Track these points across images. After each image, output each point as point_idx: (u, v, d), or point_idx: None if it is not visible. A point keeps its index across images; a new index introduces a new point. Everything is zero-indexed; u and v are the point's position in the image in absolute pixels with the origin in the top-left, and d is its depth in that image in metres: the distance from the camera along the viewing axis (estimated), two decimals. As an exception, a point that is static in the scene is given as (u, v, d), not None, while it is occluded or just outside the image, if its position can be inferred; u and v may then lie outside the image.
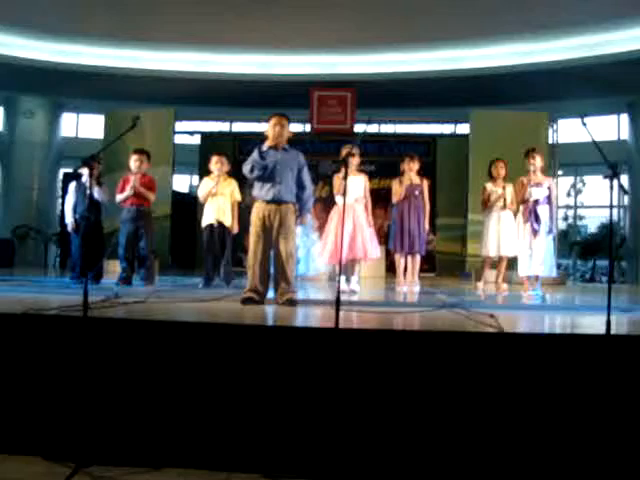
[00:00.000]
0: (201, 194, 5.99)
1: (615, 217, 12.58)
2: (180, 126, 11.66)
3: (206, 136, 12.17)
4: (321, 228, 6.72)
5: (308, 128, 11.63)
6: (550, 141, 10.43)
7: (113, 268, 6.97)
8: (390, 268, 7.81)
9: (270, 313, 3.83)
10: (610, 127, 12.92)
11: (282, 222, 4.16)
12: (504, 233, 6.11)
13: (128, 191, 5.81)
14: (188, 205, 10.90)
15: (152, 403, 2.81)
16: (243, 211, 5.86)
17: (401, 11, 9.40)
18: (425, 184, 6.29)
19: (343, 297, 3.06)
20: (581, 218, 14.99)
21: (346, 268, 5.82)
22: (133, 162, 5.93)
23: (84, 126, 14.12)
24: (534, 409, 2.67)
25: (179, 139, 11.83)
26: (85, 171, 5.88)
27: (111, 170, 9.21)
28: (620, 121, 12.76)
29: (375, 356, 2.78)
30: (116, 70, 11.02)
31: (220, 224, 5.89)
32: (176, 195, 11.12)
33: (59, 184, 12.15)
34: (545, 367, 2.71)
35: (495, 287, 6.26)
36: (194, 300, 4.34)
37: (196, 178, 13.10)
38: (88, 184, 5.82)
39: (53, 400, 2.84)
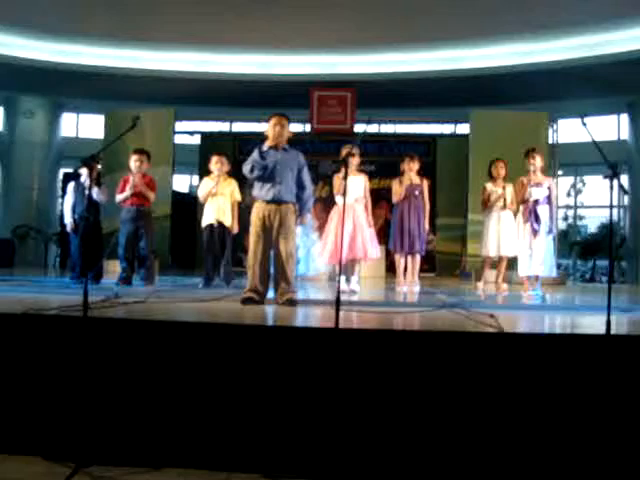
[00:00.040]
0: (201, 194, 5.99)
1: (615, 217, 12.58)
2: (180, 126, 11.66)
3: (206, 136, 12.17)
4: (321, 228, 6.72)
5: (308, 128, 11.63)
6: (550, 141, 10.42)
7: (113, 268, 6.96)
8: (390, 268, 7.82)
9: (270, 313, 3.83)
10: (610, 127, 12.93)
11: (282, 222, 4.16)
12: (504, 233, 6.11)
13: (128, 191, 5.81)
14: (188, 205, 10.90)
15: (152, 403, 2.81)
16: (243, 211, 5.86)
17: (401, 11, 9.39)
18: (425, 184, 6.29)
19: (343, 297, 3.06)
20: (581, 218, 14.99)
21: (346, 268, 5.82)
22: (133, 162, 5.93)
23: (84, 126, 14.12)
24: (534, 409, 2.67)
25: (179, 139, 11.83)
26: (84, 171, 5.89)
27: (111, 170, 9.22)
28: (620, 121, 12.76)
29: (375, 356, 2.78)
30: (116, 70, 11.02)
31: (220, 224, 5.89)
32: (176, 195, 11.12)
33: (59, 184, 12.15)
34: (545, 367, 2.71)
35: (495, 287, 6.26)
36: (194, 300, 4.34)
37: (196, 178, 13.10)
38: (87, 184, 5.83)
39: (53, 400, 2.84)
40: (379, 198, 9.05)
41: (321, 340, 2.79)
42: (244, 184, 6.06)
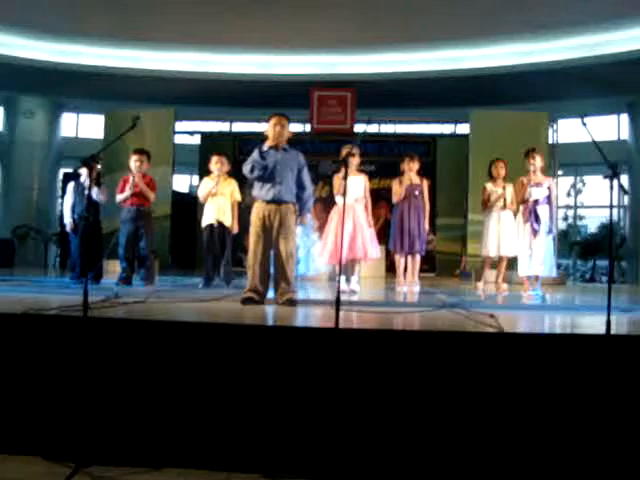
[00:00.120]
0: (201, 194, 5.99)
1: (615, 217, 12.59)
2: (180, 126, 11.66)
3: (206, 136, 12.17)
4: (321, 228, 6.72)
5: (308, 128, 11.63)
6: (550, 141, 10.42)
7: (113, 268, 6.97)
8: (390, 268, 7.82)
9: (270, 313, 3.83)
10: (610, 127, 12.93)
11: (282, 222, 4.16)
12: (504, 233, 6.11)
13: (128, 191, 5.81)
14: (188, 205, 10.90)
15: (152, 403, 2.81)
16: (243, 211, 5.86)
17: (401, 11, 9.40)
18: (425, 184, 6.29)
19: (343, 297, 3.06)
20: (581, 218, 14.99)
21: (346, 268, 5.82)
22: (133, 162, 5.93)
23: (84, 126, 14.13)
24: (534, 409, 2.67)
25: (179, 139, 11.83)
26: (84, 171, 5.89)
27: (111, 170, 9.22)
28: (620, 121, 12.77)
29: (375, 356, 2.78)
30: (116, 70, 11.02)
31: (220, 224, 5.89)
32: (176, 195, 11.12)
33: (59, 184, 12.16)
34: (545, 367, 2.71)
35: (495, 287, 6.26)
36: (194, 300, 4.34)
37: (196, 178, 13.10)
38: (86, 184, 5.83)
39: (53, 400, 2.84)
40: (379, 198, 9.05)
41: (321, 340, 2.79)
42: (244, 184, 6.06)
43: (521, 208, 6.01)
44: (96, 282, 5.68)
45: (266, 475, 2.62)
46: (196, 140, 12.46)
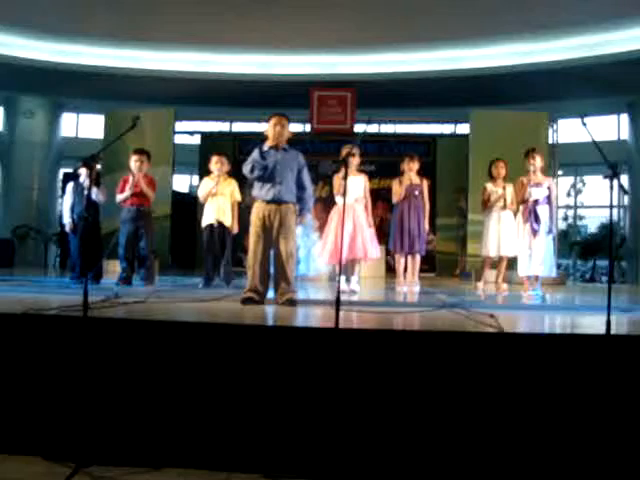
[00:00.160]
0: (201, 194, 5.99)
1: (615, 217, 12.59)
2: (180, 126, 11.66)
3: (206, 136, 12.17)
4: (321, 228, 6.72)
5: (308, 128, 11.63)
6: (550, 141, 10.42)
7: (113, 268, 6.97)
8: (390, 268, 7.82)
9: (270, 313, 3.83)
10: (610, 127, 12.93)
11: (282, 222, 4.16)
12: (504, 233, 6.11)
13: (128, 191, 5.81)
14: (188, 205, 10.90)
15: (152, 403, 2.81)
16: (243, 211, 5.86)
17: (401, 11, 9.40)
18: (425, 184, 6.29)
19: (343, 297, 3.06)
20: (581, 218, 14.99)
21: (346, 268, 5.82)
22: (133, 162, 5.93)
23: (84, 126, 14.12)
24: (534, 409, 2.67)
25: (179, 139, 11.83)
26: (83, 171, 5.89)
27: (111, 170, 9.22)
28: (620, 121, 12.77)
29: (375, 356, 2.78)
30: (116, 70, 11.02)
31: (220, 224, 5.89)
32: (176, 195, 11.11)
33: (59, 184, 12.16)
34: (545, 367, 2.71)
35: (495, 287, 6.26)
36: (194, 300, 4.34)
37: (196, 178, 13.10)
38: (86, 184, 5.84)
39: (53, 400, 2.84)
40: (377, 198, 9.05)
41: (321, 340, 2.79)
42: (244, 184, 6.07)
43: (521, 208, 6.01)
44: (96, 282, 5.68)
45: (266, 475, 2.62)
46: (196, 140, 12.46)
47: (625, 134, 12.27)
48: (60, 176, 12.38)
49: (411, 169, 6.22)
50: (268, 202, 4.18)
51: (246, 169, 4.24)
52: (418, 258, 6.22)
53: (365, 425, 2.69)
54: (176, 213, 10.43)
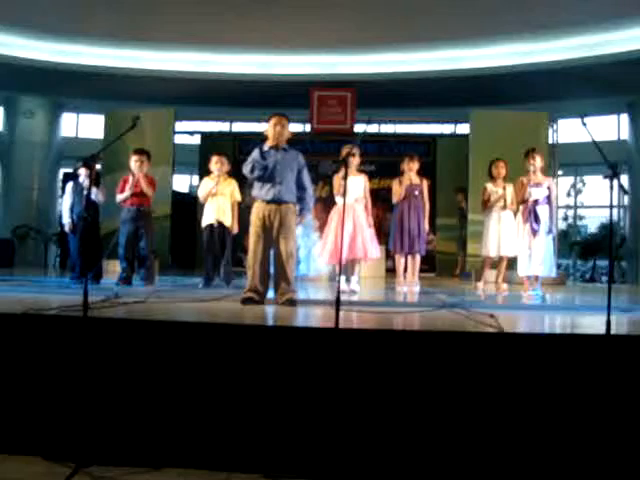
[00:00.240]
0: (201, 194, 5.99)
1: (615, 217, 12.58)
2: (180, 126, 11.65)
3: (206, 136, 12.16)
4: (321, 228, 6.72)
5: (308, 128, 11.63)
6: (550, 141, 10.41)
7: (113, 268, 6.97)
8: (390, 268, 7.82)
9: (270, 313, 3.83)
10: (610, 127, 12.92)
11: (282, 222, 4.16)
12: (504, 233, 6.11)
13: (128, 191, 5.82)
14: (188, 205, 10.89)
15: (152, 403, 2.82)
16: (243, 211, 5.86)
17: (401, 11, 9.39)
18: (425, 184, 6.29)
19: (343, 297, 3.06)
20: (581, 218, 14.99)
21: (346, 268, 5.82)
22: (133, 162, 5.93)
23: (84, 126, 14.12)
24: (534, 409, 2.67)
25: (179, 139, 11.82)
26: (82, 171, 5.90)
27: (111, 170, 9.22)
28: (620, 121, 12.76)
29: (375, 356, 2.78)
30: (116, 70, 11.02)
31: (220, 224, 5.89)
32: (176, 195, 11.10)
33: (59, 184, 12.16)
34: (545, 367, 2.71)
35: (495, 287, 6.26)
36: (194, 300, 4.34)
37: (196, 178, 13.10)
38: (85, 184, 5.84)
39: (53, 400, 2.84)
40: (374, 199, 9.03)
41: (321, 340, 2.79)
42: (244, 184, 6.06)
43: (521, 208, 6.01)
44: (96, 282, 5.68)
45: (266, 475, 2.62)
46: (196, 140, 12.45)
47: (625, 134, 12.26)
48: (60, 176, 12.38)
49: (411, 169, 6.22)
50: (268, 202, 4.18)
51: (246, 169, 4.24)
52: (418, 258, 6.22)
53: (365, 425, 2.70)
54: (176, 213, 10.42)
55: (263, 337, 2.91)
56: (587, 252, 13.28)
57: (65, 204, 6.02)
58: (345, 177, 3.76)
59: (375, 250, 5.87)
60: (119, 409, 2.81)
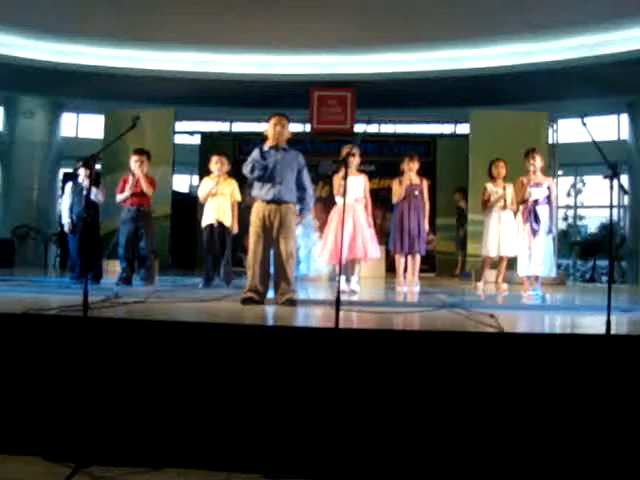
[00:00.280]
0: (201, 194, 6.00)
1: (615, 217, 12.58)
2: (180, 126, 11.65)
3: (206, 136, 12.16)
4: (321, 228, 6.72)
5: (308, 128, 11.63)
6: (550, 141, 10.40)
7: (113, 268, 6.97)
8: (390, 268, 7.82)
9: (270, 313, 3.83)
10: (610, 127, 12.92)
11: (282, 222, 4.16)
12: (504, 233, 6.11)
13: (127, 191, 5.82)
14: (188, 205, 10.89)
15: (152, 403, 2.82)
16: (243, 211, 5.86)
17: (401, 11, 9.39)
18: (425, 184, 6.29)
19: (343, 297, 3.06)
20: (581, 218, 14.99)
21: (346, 268, 5.82)
22: (133, 162, 5.93)
23: (84, 126, 14.12)
24: (534, 409, 2.67)
25: (179, 139, 11.82)
26: (82, 171, 5.90)
27: (111, 170, 9.22)
28: (620, 121, 12.76)
29: (375, 356, 2.78)
30: (116, 70, 11.01)
31: (220, 224, 5.89)
32: (176, 195, 11.10)
33: (59, 184, 12.16)
34: (545, 367, 2.71)
35: (495, 287, 6.26)
36: (194, 300, 4.34)
37: (196, 178, 13.10)
38: (85, 184, 5.84)
39: (53, 400, 2.84)
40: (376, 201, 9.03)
41: (321, 340, 2.79)
42: (244, 184, 6.06)
43: (521, 208, 6.01)
44: (96, 282, 5.68)
45: (266, 475, 2.62)
46: (196, 140, 12.45)
47: (625, 134, 12.26)
48: (60, 176, 12.38)
49: (411, 169, 6.22)
50: (268, 202, 4.18)
51: (246, 169, 4.24)
52: (418, 258, 6.22)
53: (365, 425, 2.69)
54: (176, 213, 10.42)
55: (263, 337, 2.91)
56: (587, 252, 13.28)
57: (64, 204, 6.03)
58: (345, 177, 3.76)
59: (375, 250, 5.87)
60: (119, 409, 2.81)
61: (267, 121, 4.31)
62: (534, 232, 5.83)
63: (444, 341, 2.81)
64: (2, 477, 2.56)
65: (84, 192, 5.78)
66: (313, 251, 7.91)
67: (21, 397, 2.88)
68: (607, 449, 2.60)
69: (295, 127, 11.26)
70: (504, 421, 2.67)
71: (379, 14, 9.50)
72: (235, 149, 11.11)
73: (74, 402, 2.75)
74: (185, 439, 2.75)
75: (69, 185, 6.06)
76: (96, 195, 5.76)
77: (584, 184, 14.57)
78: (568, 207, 14.65)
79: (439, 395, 2.72)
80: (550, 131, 10.48)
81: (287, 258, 4.15)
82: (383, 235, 7.80)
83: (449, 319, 3.55)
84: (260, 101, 10.97)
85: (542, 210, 5.87)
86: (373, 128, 12.53)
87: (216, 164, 5.95)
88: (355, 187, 5.77)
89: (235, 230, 6.03)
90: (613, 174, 2.85)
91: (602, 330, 2.73)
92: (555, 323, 3.76)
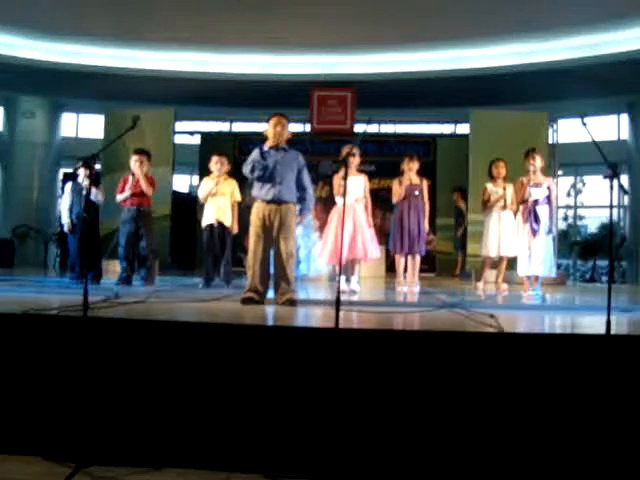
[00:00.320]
0: (201, 194, 6.00)
1: (615, 217, 12.58)
2: (180, 126, 11.64)
3: (206, 136, 12.17)
4: (321, 228, 6.72)
5: (308, 128, 11.63)
6: (550, 141, 10.40)
7: (113, 268, 6.97)
8: (390, 268, 7.82)
9: (270, 313, 3.83)
10: (610, 127, 12.92)
11: (282, 222, 4.16)
12: (504, 233, 6.11)
13: (127, 191, 5.82)
14: (188, 205, 10.89)
15: (152, 403, 2.81)
16: (243, 211, 5.86)
17: (401, 11, 9.39)
18: (425, 184, 6.29)
19: (343, 297, 3.06)
20: (581, 218, 14.99)
21: (346, 268, 5.82)
22: (133, 162, 5.93)
23: (84, 126, 14.12)
24: (534, 409, 2.67)
25: (179, 139, 11.81)
26: (82, 171, 5.90)
27: (111, 170, 9.22)
28: (620, 121, 12.76)
29: (375, 356, 2.78)
30: (116, 70, 11.02)
31: (220, 224, 5.89)
32: (176, 195, 11.10)
33: (59, 184, 12.17)
34: (545, 367, 2.71)
35: (495, 287, 6.26)
36: (194, 300, 4.34)
37: (196, 178, 13.09)
38: (84, 185, 5.84)
39: (53, 400, 2.84)
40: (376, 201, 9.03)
41: (321, 340, 2.79)
42: (244, 184, 6.06)
43: (521, 208, 6.01)
44: (96, 282, 5.68)
45: (266, 475, 2.62)
46: (196, 140, 12.45)
47: (625, 134, 12.27)
48: (60, 176, 12.39)
49: (411, 169, 6.22)
50: (268, 202, 4.18)
51: (246, 169, 4.24)
52: (418, 258, 6.22)
53: (365, 425, 2.69)
54: (176, 213, 10.42)
55: (263, 337, 2.91)
56: (587, 252, 13.29)
57: (64, 204, 6.03)
58: (345, 177, 3.76)
59: (375, 250, 5.87)
60: (119, 409, 2.81)
61: (267, 121, 4.31)
62: (534, 232, 5.83)
63: (444, 341, 2.81)
64: (2, 477, 2.56)
65: (84, 192, 5.78)
66: (313, 251, 7.91)
67: (21, 397, 2.88)
68: (607, 449, 2.60)
69: (295, 127, 11.27)
70: (504, 421, 2.67)
71: (379, 14, 9.50)
72: (235, 149, 11.11)
73: (74, 402, 2.75)
74: (185, 439, 2.75)
75: (69, 185, 6.06)
76: (96, 195, 5.77)
77: (584, 184, 14.57)
78: (568, 207, 14.65)
79: (439, 395, 2.72)
80: (550, 131, 10.48)
81: (287, 258, 4.15)
82: (383, 235, 7.80)
83: (449, 319, 3.55)
84: (260, 101, 10.97)
85: (542, 210, 5.87)
86: (373, 128, 12.53)
87: (216, 164, 5.95)
88: (355, 187, 5.77)
89: (235, 230, 6.03)
90: (613, 174, 2.85)
91: (602, 330, 2.73)
92: (555, 323, 3.75)
